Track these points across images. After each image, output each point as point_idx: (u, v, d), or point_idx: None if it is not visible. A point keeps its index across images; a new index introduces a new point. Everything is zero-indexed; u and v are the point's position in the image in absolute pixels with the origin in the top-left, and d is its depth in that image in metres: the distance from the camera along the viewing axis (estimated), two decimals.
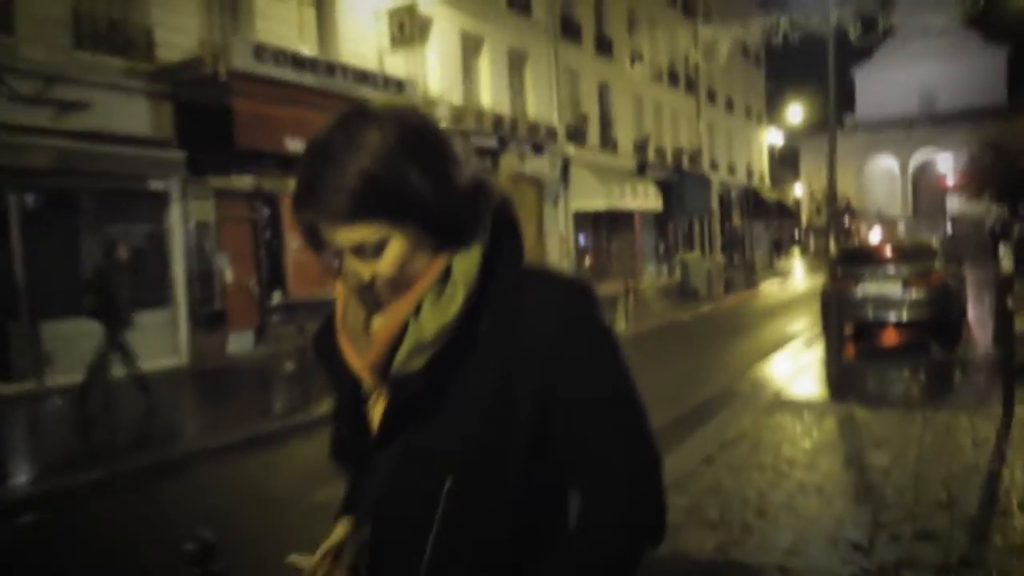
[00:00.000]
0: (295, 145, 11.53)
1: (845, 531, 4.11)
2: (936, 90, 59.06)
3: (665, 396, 7.61)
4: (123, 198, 10.64)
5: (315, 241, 1.03)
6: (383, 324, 1.05)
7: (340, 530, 1.19)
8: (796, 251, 46.84)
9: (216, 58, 10.60)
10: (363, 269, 1.03)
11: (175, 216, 11.20)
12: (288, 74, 11.11)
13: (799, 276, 29.67)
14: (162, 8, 11.21)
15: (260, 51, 10.84)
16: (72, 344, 9.78)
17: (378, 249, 1.01)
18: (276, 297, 12.79)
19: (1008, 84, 55.67)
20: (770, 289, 23.65)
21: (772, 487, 4.88)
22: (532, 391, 1.01)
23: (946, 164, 51.26)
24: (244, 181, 12.07)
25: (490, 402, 1.01)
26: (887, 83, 57.25)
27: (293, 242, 13.08)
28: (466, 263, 1.03)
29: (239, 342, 12.23)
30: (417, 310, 1.03)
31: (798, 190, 54.03)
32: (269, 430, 7.19)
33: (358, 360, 1.07)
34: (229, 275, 12.15)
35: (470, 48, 17.89)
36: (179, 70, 10.92)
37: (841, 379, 8.18)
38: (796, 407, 7.10)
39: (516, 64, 19.59)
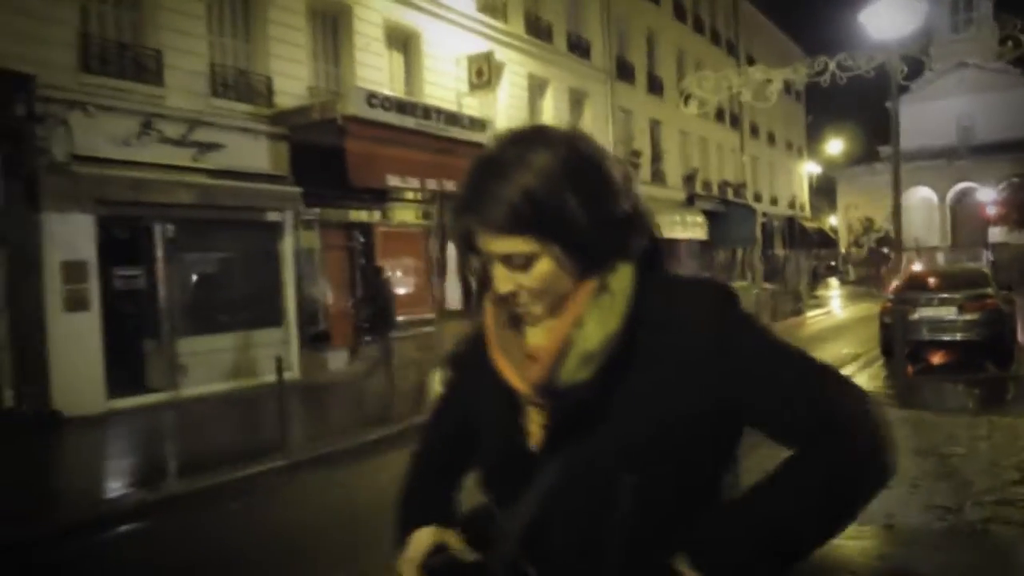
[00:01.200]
0: (395, 181, 12.82)
1: (935, 499, 5.04)
2: (974, 122, 59.32)
3: None
4: (246, 228, 11.93)
5: (467, 247, 1.11)
6: (547, 339, 1.09)
7: (425, 539, 1.23)
8: (835, 280, 47.09)
9: (331, 104, 11.91)
10: (507, 280, 1.09)
11: (288, 244, 12.46)
12: (392, 117, 12.38)
13: (841, 303, 30.27)
14: (280, 59, 12.60)
15: (371, 97, 12.13)
16: (202, 358, 11.05)
17: (527, 263, 1.07)
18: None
19: None
20: (816, 316, 24.37)
21: None
22: (703, 387, 1.05)
23: (986, 195, 51.47)
24: (344, 214, 13.32)
25: (656, 406, 1.05)
26: (924, 115, 57.53)
27: (388, 268, 14.31)
28: (622, 281, 1.08)
29: (336, 360, 13.37)
30: (578, 324, 1.07)
31: (833, 220, 54.42)
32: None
33: (518, 375, 1.10)
34: (330, 298, 13.35)
35: (535, 89, 19.18)
36: (296, 114, 12.24)
37: (906, 390, 9.03)
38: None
39: (576, 103, 20.85)
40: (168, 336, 10.86)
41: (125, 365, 10.36)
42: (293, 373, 12.33)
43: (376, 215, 13.95)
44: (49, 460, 7.95)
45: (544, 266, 1.07)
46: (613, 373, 1.05)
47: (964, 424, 7.23)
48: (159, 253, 10.80)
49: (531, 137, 1.08)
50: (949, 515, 4.76)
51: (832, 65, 18.86)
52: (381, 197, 13.64)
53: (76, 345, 9.60)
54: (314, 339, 12.90)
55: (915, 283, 12.17)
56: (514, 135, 1.10)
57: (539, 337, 1.11)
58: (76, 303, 9.65)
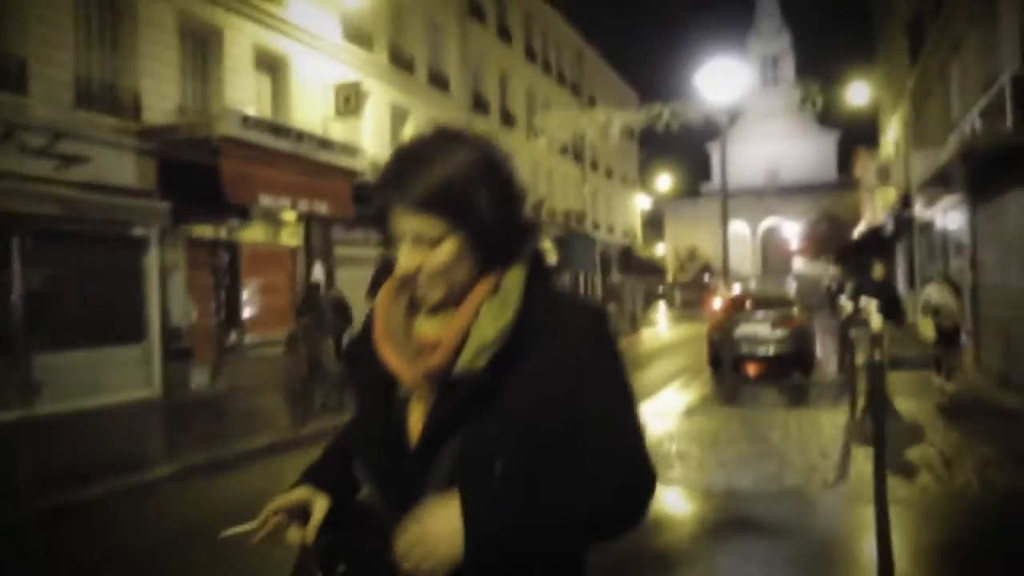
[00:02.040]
0: (267, 200, 13.03)
1: (763, 470, 6.29)
2: (780, 165, 66.69)
3: None
4: (110, 242, 11.66)
5: (381, 225, 1.20)
6: (447, 329, 1.18)
7: (301, 493, 1.30)
8: (662, 303, 50.74)
9: (205, 123, 12.00)
10: (412, 259, 1.18)
11: (152, 260, 12.28)
12: (265, 139, 12.62)
13: (669, 325, 33.11)
14: (149, 75, 12.48)
15: (245, 119, 12.32)
16: (58, 375, 10.69)
17: (434, 244, 1.16)
18: (232, 337, 13.93)
19: (839, 163, 63.83)
20: (650, 334, 26.65)
21: (708, 456, 7.02)
22: (565, 392, 1.16)
23: (790, 230, 57.90)
24: (209, 230, 13.29)
25: (535, 397, 1.15)
26: (738, 157, 63.23)
27: (250, 287, 14.36)
28: (514, 280, 1.19)
29: (198, 377, 13.23)
30: (475, 317, 1.17)
31: (660, 248, 58.62)
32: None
33: (407, 365, 1.18)
34: (194, 315, 13.23)
35: (398, 118, 19.86)
36: (165, 130, 12.18)
37: (733, 393, 10.57)
38: (705, 412, 9.39)
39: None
40: (23, 351, 10.42)
41: None
42: (153, 391, 12.17)
43: (249, 232, 14.01)
44: None
45: (448, 249, 1.16)
46: (501, 364, 1.14)
47: (780, 417, 8.75)
48: (16, 265, 10.39)
49: (453, 135, 1.20)
50: (774, 481, 6.00)
51: (667, 112, 21.11)
52: (246, 216, 13.72)
53: None
54: (177, 356, 12.73)
55: (735, 305, 14.03)
56: (437, 131, 1.21)
57: (435, 329, 1.19)
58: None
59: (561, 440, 1.16)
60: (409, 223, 1.16)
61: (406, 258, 1.18)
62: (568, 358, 1.16)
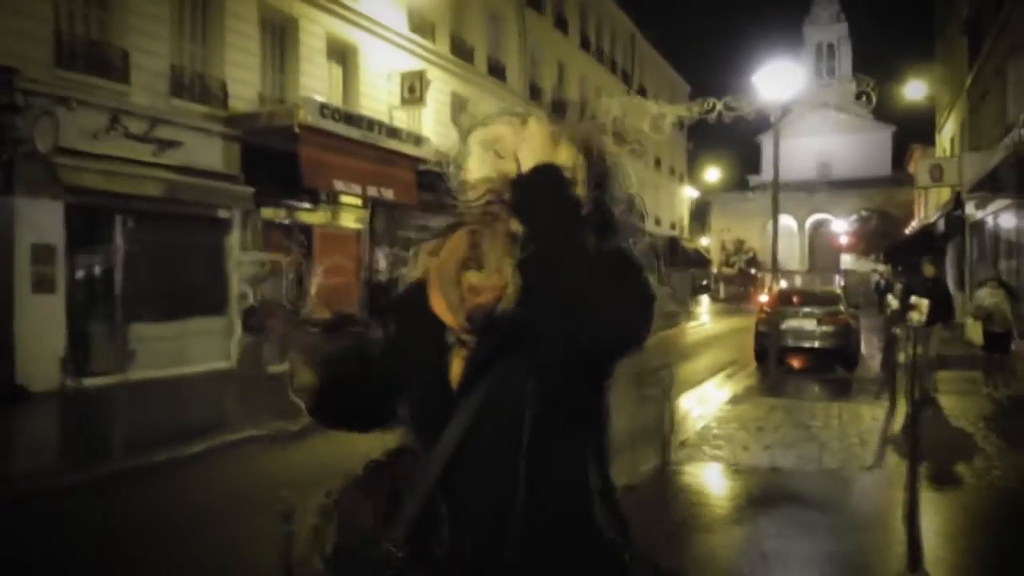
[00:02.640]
0: (340, 186, 13.86)
1: (804, 453, 6.87)
2: (831, 159, 65.82)
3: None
4: (197, 222, 12.62)
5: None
6: (493, 276, 1.28)
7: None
8: (706, 298, 50.59)
9: (287, 112, 12.85)
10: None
11: (234, 239, 13.22)
12: (340, 128, 13.42)
13: (714, 317, 33.36)
14: (233, 65, 13.38)
15: (323, 108, 13.14)
16: (151, 344, 11.67)
17: (491, 223, 1.29)
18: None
19: (893, 158, 62.74)
20: (695, 326, 27.03)
21: (753, 439, 7.61)
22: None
23: (839, 226, 57.28)
24: (282, 213, 14.19)
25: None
26: (788, 150, 62.23)
27: (320, 267, 15.24)
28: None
29: (268, 352, 14.17)
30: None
31: (704, 241, 58.43)
32: None
33: (453, 314, 1.29)
34: (267, 293, 14.16)
35: (457, 106, 20.53)
36: (249, 118, 13.06)
37: (778, 384, 11.08)
38: (751, 400, 9.95)
39: None
40: (121, 322, 11.44)
41: (82, 347, 10.88)
42: (231, 362, 13.12)
43: (317, 216, 14.89)
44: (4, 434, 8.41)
45: (503, 228, 1.27)
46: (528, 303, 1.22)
47: (822, 408, 9.27)
48: (119, 242, 11.39)
49: None
50: (814, 462, 6.58)
51: (719, 106, 21.37)
52: (316, 200, 14.58)
53: (41, 325, 10.12)
54: (252, 331, 13.67)
55: (783, 299, 14.44)
56: None
57: (481, 279, 1.28)
58: (43, 285, 10.17)
59: (587, 375, 1.27)
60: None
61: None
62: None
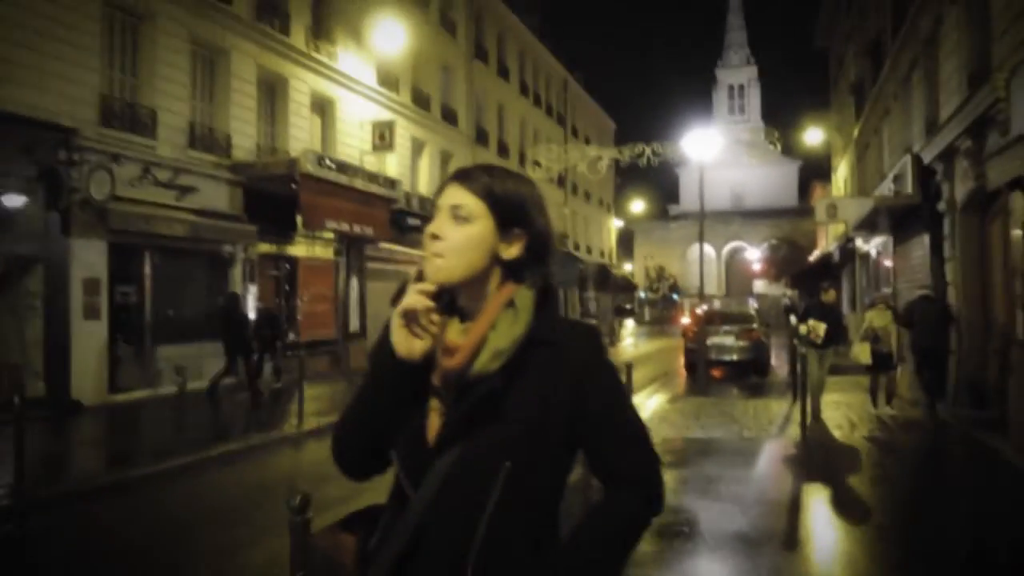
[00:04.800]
0: (332, 225, 15.86)
1: (730, 430, 9.35)
2: (744, 190, 70.89)
3: None
4: (206, 257, 14.40)
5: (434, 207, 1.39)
6: (468, 335, 1.32)
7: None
8: (630, 321, 53.46)
9: (288, 162, 14.84)
10: (443, 225, 1.34)
11: (237, 272, 15.03)
12: (331, 175, 15.47)
13: (641, 339, 36.31)
14: (236, 119, 15.28)
15: (320, 159, 15.18)
16: (172, 363, 13.33)
17: (466, 220, 1.33)
18: (291, 336, 16.65)
19: (799, 191, 68.07)
20: (626, 347, 29.78)
21: (691, 422, 10.07)
22: (565, 401, 1.32)
23: (752, 253, 61.79)
24: (268, 247, 16.01)
25: (537, 406, 1.31)
26: (706, 181, 66.45)
27: (305, 295, 17.14)
28: (527, 298, 1.35)
29: (267, 370, 15.89)
30: (492, 327, 1.31)
31: (628, 267, 61.73)
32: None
33: (437, 365, 1.33)
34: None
35: (416, 150, 22.82)
36: (251, 166, 14.97)
37: (706, 387, 13.66)
38: (685, 399, 12.47)
39: (445, 162, 24.72)
40: (150, 343, 13.13)
41: (120, 366, 12.52)
42: (240, 377, 14.81)
43: (301, 249, 16.82)
44: (65, 440, 9.92)
45: (478, 228, 1.34)
46: (510, 372, 1.29)
47: (741, 403, 11.88)
48: (147, 274, 13.11)
49: (515, 172, 1.48)
50: (736, 434, 9.07)
51: (648, 151, 24.37)
52: (293, 235, 16.50)
53: (89, 347, 11.76)
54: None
55: (707, 320, 17.16)
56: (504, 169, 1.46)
57: (458, 336, 1.33)
58: (91, 312, 11.84)
59: (560, 445, 1.34)
60: (453, 196, 1.35)
61: (437, 223, 1.35)
62: (570, 370, 1.33)
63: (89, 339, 11.77)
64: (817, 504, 6.42)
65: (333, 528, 1.41)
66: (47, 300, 11.31)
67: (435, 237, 1.32)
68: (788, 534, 5.41)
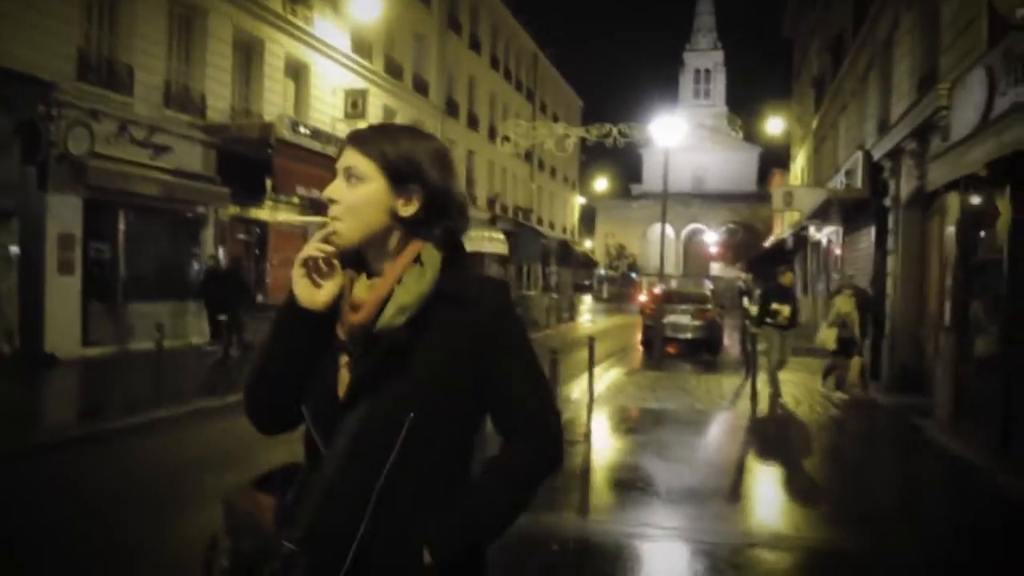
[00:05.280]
0: (302, 191, 16.06)
1: (684, 401, 10.03)
2: (705, 173, 72.15)
3: (574, 365, 13.28)
4: (179, 217, 14.53)
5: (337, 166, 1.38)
6: (372, 291, 1.33)
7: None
8: (588, 297, 54.30)
9: (264, 126, 14.97)
10: (337, 188, 1.35)
11: (208, 233, 15.18)
12: (304, 141, 15.65)
13: (599, 316, 37.15)
14: (211, 80, 15.33)
15: (295, 125, 15.33)
16: (144, 320, 13.54)
17: (359, 180, 1.34)
18: (260, 298, 16.88)
19: (758, 176, 69.52)
20: (583, 323, 30.54)
21: (647, 393, 10.73)
22: (470, 355, 1.34)
23: (710, 237, 63.11)
24: (237, 209, 16.16)
25: (442, 360, 1.33)
26: (669, 163, 67.49)
27: (274, 259, 17.35)
28: (434, 255, 1.36)
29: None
30: (398, 283, 1.32)
31: (588, 243, 62.49)
32: None
33: (340, 324, 1.35)
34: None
35: (388, 119, 22.94)
36: (225, 128, 15.07)
37: (661, 362, 14.38)
38: (641, 373, 13.15)
39: None
40: (122, 300, 13.29)
41: (92, 321, 12.68)
42: (204, 338, 15.06)
43: (270, 213, 16.99)
44: (39, 392, 10.10)
45: (371, 188, 1.34)
46: (415, 327, 1.31)
47: (694, 378, 12.61)
48: (121, 232, 13.23)
49: (413, 126, 1.50)
50: (689, 406, 9.75)
51: (615, 131, 24.90)
52: (262, 199, 16.66)
53: (63, 302, 11.91)
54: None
55: (665, 299, 17.88)
56: (409, 127, 1.48)
57: (365, 292, 1.35)
58: (66, 267, 11.96)
59: (466, 398, 1.36)
60: (347, 158, 1.36)
61: (332, 186, 1.36)
62: (476, 326, 1.34)
63: (63, 293, 11.91)
64: (759, 467, 7.11)
65: (250, 488, 1.42)
66: (22, 254, 11.41)
67: (331, 200, 1.34)
68: (732, 490, 6.06)
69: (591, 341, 9.74)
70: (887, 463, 7.62)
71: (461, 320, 1.34)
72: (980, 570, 4.52)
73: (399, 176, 1.35)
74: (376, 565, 1.29)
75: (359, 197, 1.33)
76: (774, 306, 10.70)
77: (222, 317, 12.48)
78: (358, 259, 1.38)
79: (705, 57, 74.96)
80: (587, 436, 7.76)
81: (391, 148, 1.35)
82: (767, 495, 6.13)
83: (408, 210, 1.36)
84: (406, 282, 1.32)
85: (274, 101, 17.21)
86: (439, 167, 1.39)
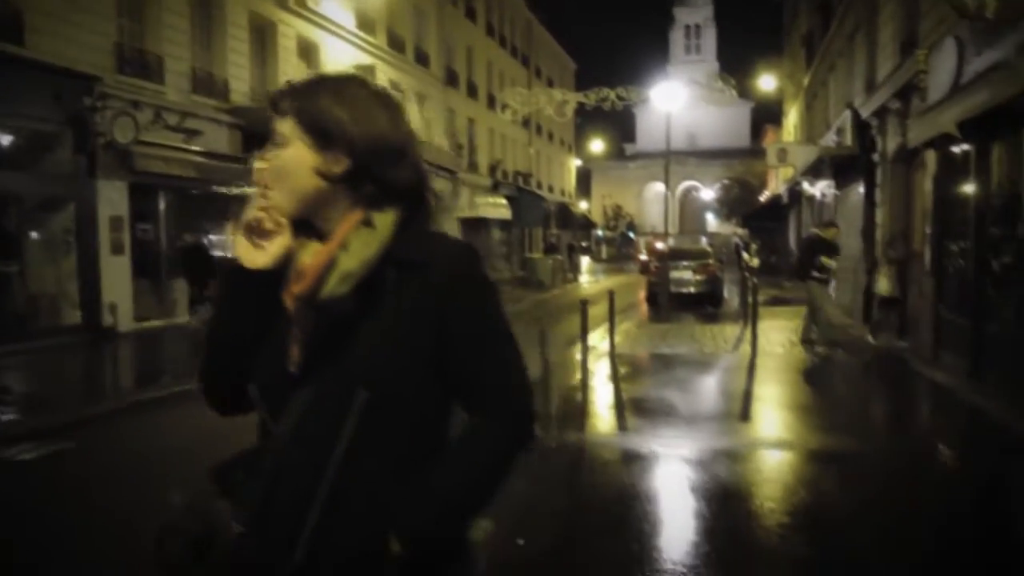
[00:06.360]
0: None
1: (693, 346, 11.11)
2: (698, 130, 72.59)
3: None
4: (211, 196, 15.44)
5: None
6: (315, 257, 1.23)
7: None
8: (586, 259, 55.07)
9: None
10: (263, 159, 1.26)
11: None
12: None
13: (599, 276, 38.21)
14: (232, 64, 16.12)
15: None
16: (184, 296, 14.54)
17: (281, 145, 1.25)
18: None
19: (751, 132, 70.08)
20: (586, 282, 31.62)
21: (658, 341, 11.82)
22: (430, 324, 1.21)
23: (705, 193, 63.93)
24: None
25: (399, 329, 1.20)
26: (660, 121, 67.87)
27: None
28: (387, 218, 1.24)
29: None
30: (343, 248, 1.22)
31: (584, 205, 63.11)
32: None
33: (286, 291, 1.24)
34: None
35: (394, 92, 23.66)
36: (249, 110, 15.90)
37: (667, 315, 15.46)
38: (650, 326, 14.24)
39: (420, 104, 25.66)
40: (165, 277, 14.28)
41: (140, 297, 13.68)
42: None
43: None
44: (103, 362, 11.14)
45: (289, 152, 1.23)
46: (365, 295, 1.19)
47: (699, 327, 13.71)
48: (162, 213, 14.17)
49: (353, 77, 1.32)
50: (696, 349, 10.84)
51: (612, 95, 25.67)
52: None
53: (116, 279, 12.89)
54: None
55: (667, 255, 18.90)
56: (342, 73, 1.33)
57: (308, 257, 1.24)
58: (117, 247, 12.93)
59: (425, 369, 1.22)
60: (275, 125, 1.26)
61: (261, 154, 1.26)
62: (436, 291, 1.21)
63: (116, 271, 12.89)
64: (765, 394, 8.21)
65: (212, 470, 1.32)
66: (79, 236, 12.36)
67: (258, 168, 1.27)
68: (742, 411, 7.18)
69: (611, 295, 10.79)
70: (875, 387, 8.73)
71: (418, 286, 1.21)
72: (954, 466, 5.63)
73: (320, 133, 1.23)
74: (335, 548, 1.19)
75: (282, 161, 1.25)
76: (823, 260, 10.97)
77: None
78: (307, 225, 1.27)
79: (695, 12, 74.92)
80: (615, 376, 8.85)
81: (306, 104, 1.25)
82: (771, 414, 7.23)
83: (337, 168, 1.24)
84: (352, 246, 1.22)
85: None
86: (368, 116, 1.25)
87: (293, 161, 1.24)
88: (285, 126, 1.26)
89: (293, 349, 1.23)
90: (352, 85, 1.29)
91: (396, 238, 1.24)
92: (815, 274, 11.02)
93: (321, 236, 1.27)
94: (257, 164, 1.27)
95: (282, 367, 1.23)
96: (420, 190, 1.30)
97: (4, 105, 10.92)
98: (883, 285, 11.19)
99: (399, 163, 1.27)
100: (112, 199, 12.80)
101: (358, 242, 1.22)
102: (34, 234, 12.45)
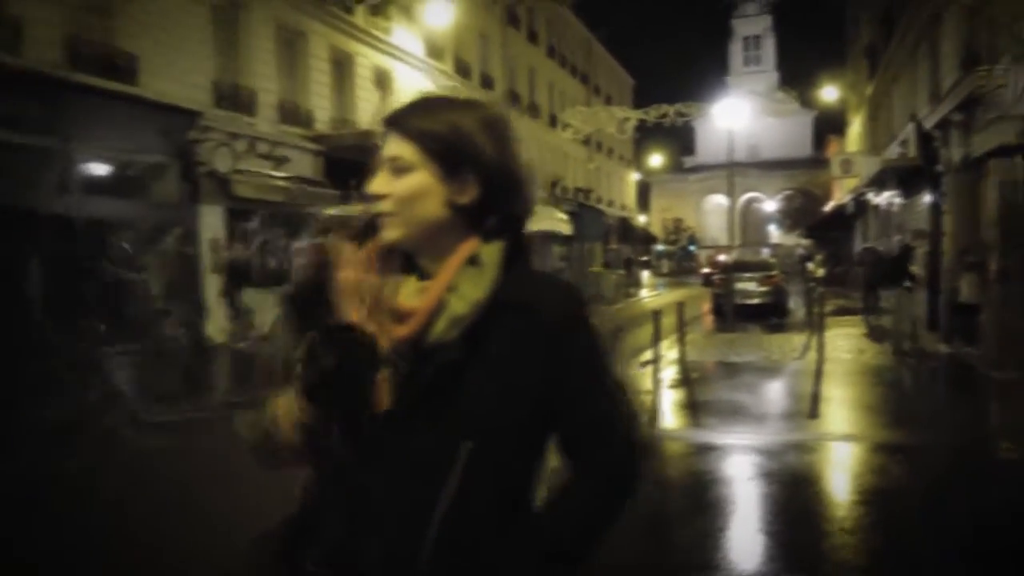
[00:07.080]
0: None
1: (759, 355, 11.50)
2: (759, 141, 71.90)
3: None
4: (295, 218, 16.54)
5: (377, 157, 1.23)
6: (422, 299, 1.15)
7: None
8: (646, 273, 55.00)
9: (361, 132, 16.84)
10: (381, 183, 1.19)
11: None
12: None
13: (662, 290, 38.37)
14: (315, 95, 17.26)
15: None
16: (262, 310, 15.56)
17: (404, 172, 1.17)
18: None
19: (813, 141, 69.12)
20: (651, 296, 31.92)
21: (725, 350, 12.23)
22: (538, 370, 1.15)
23: (767, 204, 63.31)
24: (331, 209, 18.15)
25: (506, 376, 1.14)
26: (721, 132, 67.78)
27: None
28: (493, 254, 1.17)
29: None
30: (451, 289, 1.15)
31: (642, 219, 63.10)
32: None
33: (380, 331, 1.14)
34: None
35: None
36: (328, 138, 16.99)
37: (733, 326, 15.80)
38: (717, 336, 14.62)
39: None
40: (256, 289, 15.37)
41: (237, 314, 14.78)
42: None
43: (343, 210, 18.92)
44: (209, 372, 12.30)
45: (418, 179, 1.16)
46: (472, 341, 1.12)
47: (766, 337, 14.05)
48: (255, 235, 15.29)
49: (463, 99, 1.29)
50: (763, 357, 11.24)
51: (672, 111, 26.11)
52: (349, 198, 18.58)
53: (215, 296, 14.00)
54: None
55: (731, 267, 19.22)
56: (449, 96, 1.29)
57: (412, 297, 1.16)
58: (216, 268, 14.04)
59: (531, 418, 1.17)
60: (389, 147, 1.20)
61: (376, 180, 1.20)
62: (543, 337, 1.15)
63: (213, 290, 14.00)
64: (832, 395, 8.57)
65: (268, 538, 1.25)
66: (183, 258, 13.52)
67: (376, 196, 1.20)
68: (811, 410, 7.60)
69: (679, 306, 11.29)
70: (942, 389, 9.01)
71: (525, 330, 1.15)
72: (1016, 459, 5.99)
73: (449, 159, 1.18)
74: None
75: (405, 190, 1.18)
76: (912, 269, 11.35)
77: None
78: (407, 259, 1.22)
79: (754, 24, 74.49)
80: (687, 380, 9.36)
81: (431, 126, 1.19)
82: (839, 412, 7.64)
83: (466, 197, 1.19)
84: (461, 288, 1.16)
85: (366, 109, 19.06)
86: (494, 139, 1.21)
87: (419, 189, 1.18)
88: (405, 150, 1.19)
89: (382, 390, 1.15)
90: (470, 105, 1.25)
91: (503, 279, 1.17)
92: (907, 284, 11.21)
93: (421, 272, 1.21)
94: (375, 189, 1.21)
95: (366, 410, 1.15)
96: (525, 223, 1.26)
97: (121, 140, 12.14)
98: (965, 291, 11.31)
99: (520, 194, 1.24)
100: (212, 223, 13.94)
101: (467, 283, 1.16)
102: (147, 256, 13.65)
